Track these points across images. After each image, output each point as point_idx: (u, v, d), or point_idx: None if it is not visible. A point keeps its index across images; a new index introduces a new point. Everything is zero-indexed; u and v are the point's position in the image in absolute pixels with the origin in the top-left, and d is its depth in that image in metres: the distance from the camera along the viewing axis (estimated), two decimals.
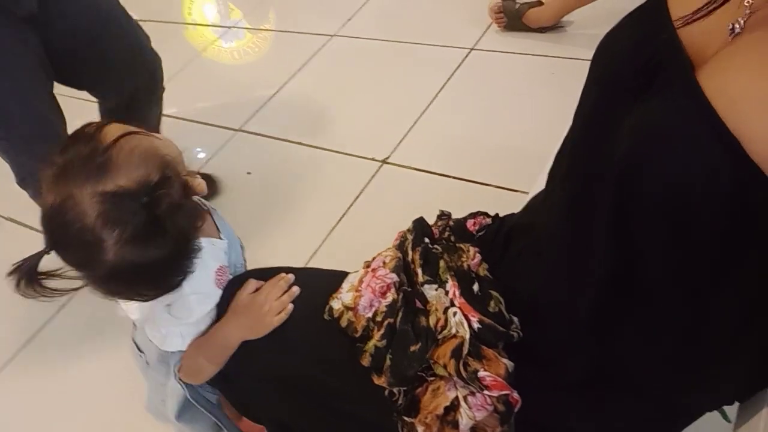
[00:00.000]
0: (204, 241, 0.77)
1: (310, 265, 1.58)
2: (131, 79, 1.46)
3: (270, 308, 0.79)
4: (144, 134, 0.71)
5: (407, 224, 0.87)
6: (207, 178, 1.73)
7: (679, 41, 0.55)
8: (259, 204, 1.82)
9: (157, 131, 1.54)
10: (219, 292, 0.82)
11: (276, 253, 1.65)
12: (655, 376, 0.66)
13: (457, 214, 0.93)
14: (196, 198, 0.87)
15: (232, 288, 0.83)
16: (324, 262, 1.57)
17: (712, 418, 0.72)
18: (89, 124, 0.71)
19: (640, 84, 0.57)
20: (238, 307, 0.81)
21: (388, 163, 1.81)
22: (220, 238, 0.84)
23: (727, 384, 0.63)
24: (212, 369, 0.83)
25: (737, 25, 0.51)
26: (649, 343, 0.64)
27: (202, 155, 2.07)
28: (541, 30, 2.04)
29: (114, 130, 0.69)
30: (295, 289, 0.82)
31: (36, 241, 0.70)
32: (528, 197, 1.09)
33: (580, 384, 0.70)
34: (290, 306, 0.80)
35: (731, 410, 0.71)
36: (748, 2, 0.50)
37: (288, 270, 0.85)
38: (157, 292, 0.74)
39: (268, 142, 2.02)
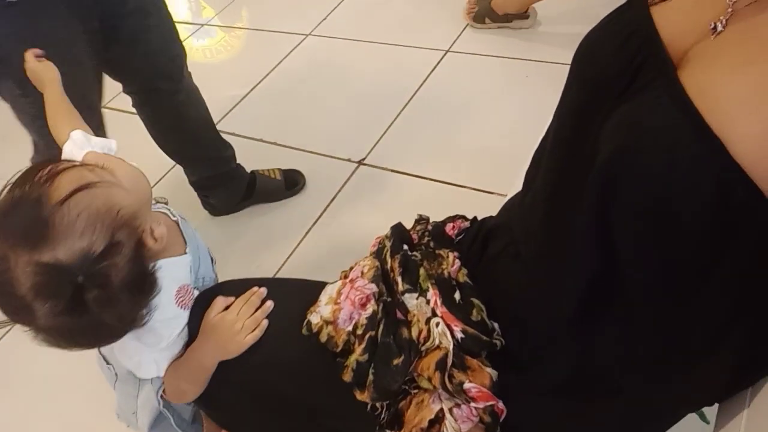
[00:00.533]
0: (163, 262, 0.72)
1: (285, 270, 1.57)
2: (161, 64, 1.40)
3: (242, 327, 0.76)
4: (103, 186, 0.65)
5: (385, 226, 0.85)
6: (292, 174, 1.73)
7: (660, 41, 0.55)
8: None
9: (196, 124, 1.56)
10: (185, 313, 0.78)
11: (250, 258, 1.62)
12: (637, 376, 0.66)
13: (435, 216, 0.92)
14: (163, 207, 0.84)
15: (201, 306, 0.80)
16: (299, 266, 1.56)
17: (690, 419, 0.72)
18: (44, 166, 0.65)
19: (622, 84, 0.57)
20: (207, 328, 0.78)
21: (364, 164, 1.80)
22: (185, 252, 0.80)
23: (708, 384, 0.63)
24: (195, 390, 0.80)
25: (719, 24, 0.51)
26: (631, 342, 0.64)
27: None
28: (507, 17, 2.07)
29: (66, 183, 0.63)
30: (269, 304, 0.79)
31: None
32: (505, 200, 1.09)
33: (561, 388, 0.69)
34: (264, 322, 0.77)
35: (710, 412, 0.71)
36: (730, 1, 0.50)
37: (260, 282, 0.82)
38: (114, 339, 0.70)
39: (241, 143, 1.98)
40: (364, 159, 1.80)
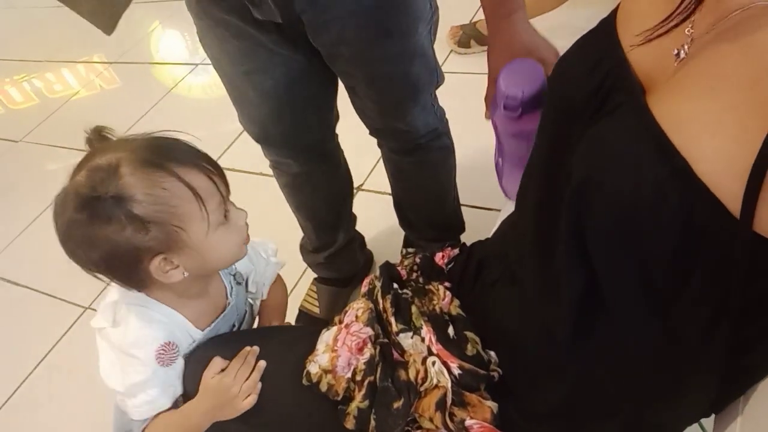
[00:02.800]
0: (171, 313, 0.76)
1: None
2: None
3: (239, 391, 0.76)
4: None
5: (389, 247, 0.85)
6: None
7: (628, 66, 0.57)
8: None
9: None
10: (162, 369, 0.77)
11: None
12: (631, 396, 0.67)
13: None
14: (231, 275, 0.87)
15: (197, 362, 0.80)
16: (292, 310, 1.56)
17: (689, 429, 0.73)
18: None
19: (592, 106, 0.58)
20: (206, 391, 0.78)
21: (363, 189, 1.83)
22: (203, 329, 0.81)
23: (701, 395, 0.63)
24: None
25: (682, 51, 0.53)
26: (623, 360, 0.64)
27: None
28: None
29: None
30: (262, 364, 0.78)
31: None
32: (500, 216, 1.11)
33: (559, 412, 0.70)
34: (259, 385, 0.77)
35: (707, 422, 0.71)
36: (689, 31, 0.52)
37: (253, 334, 0.83)
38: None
39: (242, 177, 2.03)
40: (362, 185, 1.83)
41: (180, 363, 0.79)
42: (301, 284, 1.64)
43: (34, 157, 2.57)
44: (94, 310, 1.42)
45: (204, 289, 0.81)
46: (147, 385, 0.76)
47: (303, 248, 1.55)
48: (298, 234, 1.52)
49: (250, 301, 0.95)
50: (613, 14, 0.64)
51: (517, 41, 0.90)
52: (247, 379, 0.77)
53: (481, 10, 0.95)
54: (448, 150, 1.32)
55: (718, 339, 0.56)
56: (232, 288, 0.87)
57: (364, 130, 1.23)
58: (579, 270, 0.60)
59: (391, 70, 1.06)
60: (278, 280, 1.01)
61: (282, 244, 1.65)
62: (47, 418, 1.55)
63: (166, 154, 0.72)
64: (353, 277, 1.57)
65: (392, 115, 1.15)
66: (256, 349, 0.80)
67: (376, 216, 1.70)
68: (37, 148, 2.63)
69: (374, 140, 1.28)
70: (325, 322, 1.57)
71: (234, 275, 0.89)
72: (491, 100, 0.96)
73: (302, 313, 1.57)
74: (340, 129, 1.30)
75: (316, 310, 1.55)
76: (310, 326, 0.85)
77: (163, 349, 0.76)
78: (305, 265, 1.59)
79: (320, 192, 1.35)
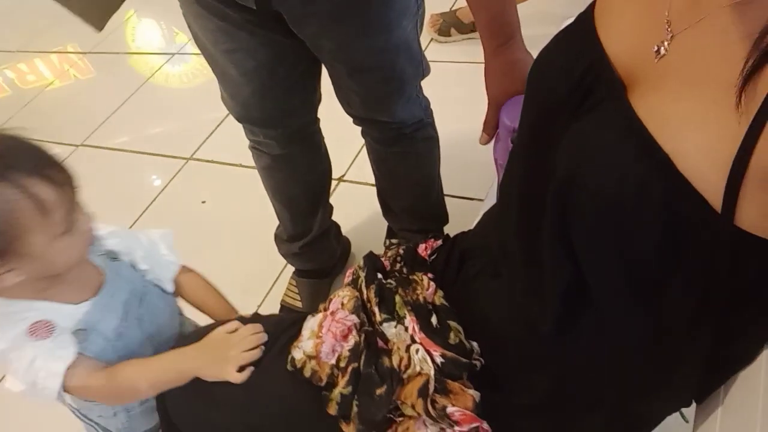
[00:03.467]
0: (42, 305, 0.76)
1: (267, 301, 1.59)
2: None
3: (236, 356, 0.76)
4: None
5: (372, 238, 0.85)
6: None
7: (609, 61, 0.57)
8: (215, 233, 1.80)
9: None
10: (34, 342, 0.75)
11: (233, 284, 1.63)
12: (616, 385, 0.67)
13: None
14: (101, 255, 0.86)
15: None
16: (274, 305, 1.56)
17: (671, 418, 0.74)
18: None
19: (573, 103, 0.58)
20: (210, 341, 0.80)
21: (344, 180, 1.82)
22: (84, 300, 0.81)
23: (684, 385, 0.64)
24: (149, 393, 0.82)
25: (662, 48, 0.53)
26: (608, 352, 0.65)
27: (156, 184, 2.05)
28: (473, 26, 2.07)
29: None
30: (258, 352, 0.78)
31: None
32: (483, 206, 1.11)
33: (543, 404, 0.70)
34: (251, 367, 0.77)
35: (689, 411, 0.72)
36: (668, 27, 0.52)
37: (240, 318, 0.83)
38: None
39: (221, 169, 2.01)
40: (343, 175, 1.82)
41: (59, 334, 0.77)
42: (281, 280, 1.63)
43: None
44: None
45: (58, 279, 0.79)
46: (35, 362, 0.74)
47: (278, 238, 1.53)
48: (274, 226, 1.51)
49: (154, 280, 0.93)
50: (591, 8, 0.63)
51: (517, 69, 0.88)
52: (247, 351, 0.77)
53: None
54: (433, 140, 1.32)
55: (703, 331, 0.57)
56: (105, 266, 0.86)
57: (346, 120, 1.23)
58: (564, 265, 0.61)
59: (375, 64, 1.05)
60: (192, 275, 1.02)
61: (262, 236, 1.66)
62: None
63: (11, 163, 0.70)
64: (332, 268, 1.56)
65: (376, 107, 1.15)
66: (264, 336, 0.80)
67: (357, 207, 1.71)
68: None
69: (356, 130, 1.28)
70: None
71: (105, 254, 0.87)
72: (490, 127, 0.94)
73: (284, 308, 1.57)
74: (321, 120, 1.29)
75: (299, 303, 1.55)
76: (297, 314, 0.84)
77: (33, 327, 0.75)
78: (284, 260, 1.58)
79: (299, 175, 1.34)
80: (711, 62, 0.48)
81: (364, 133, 1.29)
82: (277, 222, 1.48)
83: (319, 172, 1.39)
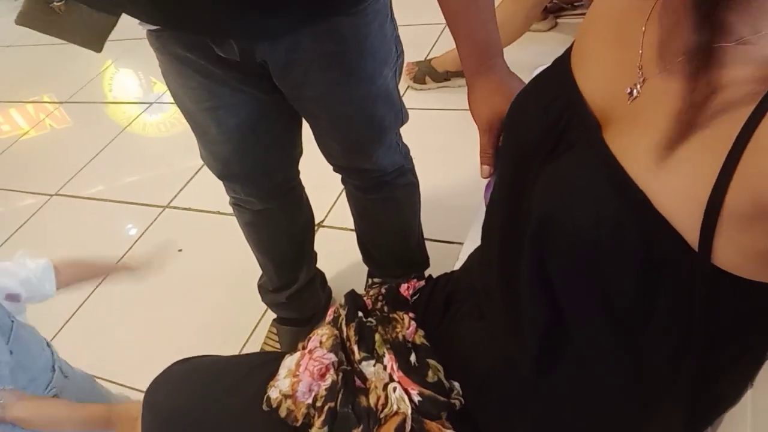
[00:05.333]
0: None
1: (247, 349, 1.55)
2: None
3: None
4: None
5: (354, 282, 0.85)
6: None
7: (584, 103, 0.58)
8: (193, 282, 1.78)
9: None
10: None
11: (212, 332, 1.61)
12: (599, 426, 0.66)
13: None
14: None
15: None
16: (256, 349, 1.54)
17: None
18: None
19: (549, 144, 0.59)
20: (121, 412, 0.85)
21: (323, 226, 1.81)
22: None
23: (669, 426, 0.63)
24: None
25: (635, 90, 0.54)
26: (590, 394, 0.65)
27: (132, 233, 2.02)
28: (447, 75, 2.13)
29: None
30: None
31: None
32: (463, 249, 1.11)
33: None
34: None
35: None
36: (640, 71, 0.54)
37: (217, 359, 0.82)
38: None
39: (199, 216, 1.99)
40: (323, 221, 1.82)
41: None
42: (260, 328, 1.61)
43: None
44: None
45: None
46: None
47: (262, 288, 1.52)
48: (256, 274, 1.50)
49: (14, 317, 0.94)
50: (568, 52, 0.65)
51: (506, 87, 0.87)
52: None
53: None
54: (413, 186, 1.33)
55: (684, 369, 0.57)
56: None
57: (325, 165, 1.24)
58: (542, 306, 0.61)
59: (355, 113, 1.06)
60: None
61: (240, 284, 1.64)
62: None
63: None
64: (313, 316, 1.54)
65: (357, 155, 1.16)
66: None
67: (337, 252, 1.70)
68: None
69: (335, 176, 1.29)
70: None
71: None
72: (488, 155, 0.89)
73: None
74: (300, 164, 1.31)
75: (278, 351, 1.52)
76: (274, 352, 0.83)
77: None
78: (264, 306, 1.57)
79: (282, 229, 1.34)
80: (679, 105, 0.49)
81: (344, 180, 1.30)
82: (256, 269, 1.47)
83: (301, 224, 1.39)
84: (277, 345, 1.53)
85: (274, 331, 1.55)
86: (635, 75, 0.54)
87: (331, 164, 1.22)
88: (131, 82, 3.12)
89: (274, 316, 1.56)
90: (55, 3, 1.03)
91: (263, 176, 1.19)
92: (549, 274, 0.58)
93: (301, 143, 1.22)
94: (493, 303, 0.72)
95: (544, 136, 0.60)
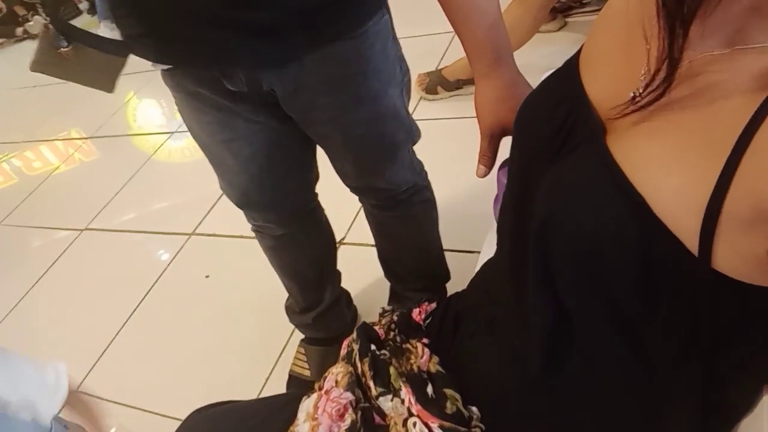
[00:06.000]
0: None
1: (276, 372, 1.58)
2: None
3: None
4: None
5: (375, 300, 0.83)
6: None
7: (590, 105, 0.58)
8: (220, 307, 1.81)
9: None
10: None
11: (241, 356, 1.63)
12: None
13: None
14: None
15: None
16: (283, 375, 1.56)
17: None
18: None
19: (554, 146, 0.59)
20: None
21: (344, 243, 1.83)
22: None
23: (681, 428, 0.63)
24: None
25: (638, 95, 0.54)
26: (600, 394, 0.64)
27: (160, 263, 2.07)
28: (458, 83, 2.14)
29: None
30: None
31: None
32: (479, 259, 1.11)
33: None
34: None
35: None
36: (643, 76, 0.54)
37: (234, 405, 0.82)
38: None
39: (223, 242, 2.03)
40: (343, 239, 1.84)
41: None
42: (288, 349, 1.63)
43: (16, 238, 2.56)
44: None
45: None
46: None
47: (289, 309, 1.54)
48: (283, 295, 1.52)
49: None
50: (577, 55, 0.65)
51: (512, 94, 0.86)
52: None
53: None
54: (430, 203, 1.34)
55: (691, 372, 0.56)
56: None
57: (343, 184, 1.25)
58: (548, 306, 0.61)
59: (364, 133, 1.07)
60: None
61: (267, 306, 1.66)
62: None
63: None
64: (341, 335, 1.54)
65: (371, 175, 1.17)
66: None
67: (359, 269, 1.71)
68: (17, 229, 2.62)
69: (349, 195, 1.30)
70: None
71: None
72: (486, 158, 0.91)
73: (293, 378, 1.55)
74: (318, 184, 1.32)
75: (307, 372, 1.53)
76: (293, 393, 0.83)
77: None
78: (291, 326, 1.58)
79: (304, 252, 1.36)
80: (683, 108, 0.49)
81: (361, 200, 1.31)
82: (283, 291, 1.49)
83: (322, 245, 1.41)
84: (306, 366, 1.54)
85: (303, 351, 1.56)
86: (638, 80, 0.54)
87: (347, 185, 1.24)
88: (154, 111, 3.20)
89: (302, 336, 1.58)
90: (62, 49, 1.07)
91: (282, 202, 1.21)
92: (553, 274, 0.58)
93: (316, 167, 1.23)
94: (506, 307, 0.71)
95: (550, 138, 0.60)
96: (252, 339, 1.68)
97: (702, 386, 0.57)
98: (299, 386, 1.52)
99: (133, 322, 1.89)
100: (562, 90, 0.63)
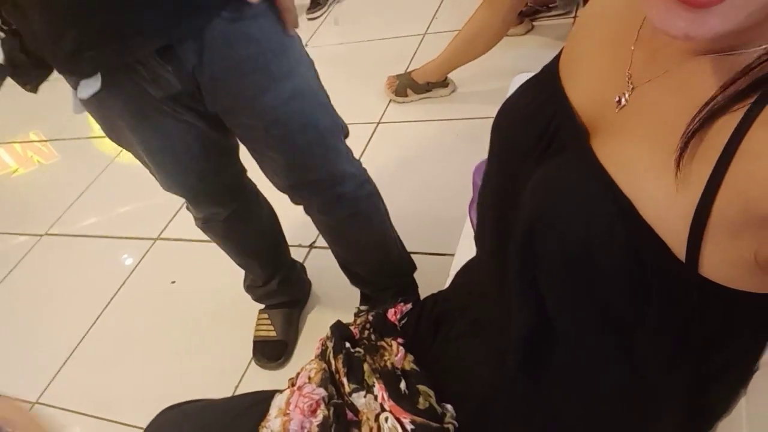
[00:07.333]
0: None
1: (246, 377, 1.56)
2: None
3: None
4: None
5: (350, 300, 0.84)
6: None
7: (573, 110, 0.58)
8: (187, 313, 1.78)
9: None
10: None
11: (211, 364, 1.61)
12: None
13: None
14: None
15: None
16: (254, 381, 1.55)
17: None
18: None
19: (538, 150, 0.59)
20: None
21: (315, 247, 1.81)
22: None
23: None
24: None
25: (623, 98, 0.54)
26: (586, 399, 0.64)
27: (125, 267, 2.01)
28: (428, 86, 2.14)
29: None
30: None
31: None
32: (453, 262, 1.11)
33: None
34: None
35: None
36: (629, 80, 0.54)
37: (206, 403, 0.81)
38: None
39: (189, 246, 1.99)
40: (314, 242, 1.82)
41: None
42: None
43: None
44: None
45: None
46: None
47: (251, 288, 1.59)
48: (245, 299, 1.54)
49: None
50: (556, 60, 0.65)
51: None
52: None
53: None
54: (375, 195, 1.35)
55: (679, 376, 0.57)
56: None
57: None
58: (530, 305, 0.61)
59: (286, 113, 1.10)
60: None
61: (235, 310, 1.64)
62: None
63: None
64: (302, 299, 1.66)
65: (302, 165, 1.18)
66: None
67: (330, 272, 1.69)
68: None
69: None
70: (284, 345, 1.51)
71: None
72: None
73: (258, 342, 1.60)
74: (277, 198, 1.34)
75: (273, 333, 1.58)
76: (265, 391, 0.82)
77: None
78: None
79: (253, 225, 1.42)
80: (669, 113, 0.49)
81: (307, 209, 1.32)
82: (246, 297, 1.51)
83: (267, 214, 1.47)
84: (270, 327, 1.59)
85: (265, 316, 1.61)
86: (624, 83, 0.54)
87: (282, 190, 1.26)
88: None
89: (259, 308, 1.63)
90: None
91: (219, 182, 1.27)
92: (537, 276, 0.58)
93: (238, 148, 1.27)
94: (490, 307, 0.71)
95: (534, 142, 0.60)
96: (221, 344, 1.65)
97: (689, 388, 0.57)
98: (266, 348, 1.58)
99: (97, 329, 1.84)
100: (542, 95, 0.63)
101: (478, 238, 0.78)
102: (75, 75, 1.02)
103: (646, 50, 0.54)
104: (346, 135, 1.23)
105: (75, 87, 1.03)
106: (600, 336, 0.58)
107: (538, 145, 0.59)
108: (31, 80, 1.08)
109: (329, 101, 1.18)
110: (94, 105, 1.07)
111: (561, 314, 0.59)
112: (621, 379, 0.61)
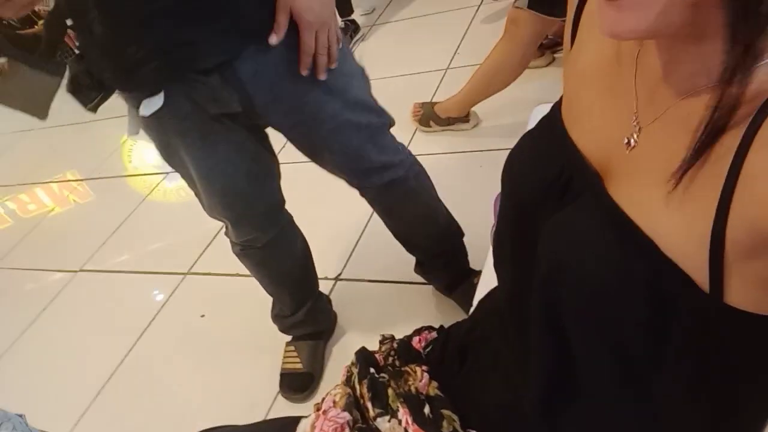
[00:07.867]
0: None
1: (273, 411, 1.56)
2: None
3: None
4: None
5: (375, 332, 0.85)
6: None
7: (582, 156, 0.59)
8: (216, 347, 1.80)
9: None
10: None
11: (241, 397, 1.61)
12: None
13: (416, 316, 0.89)
14: None
15: None
16: (283, 410, 1.54)
17: None
18: None
19: (553, 198, 0.60)
20: None
21: (341, 279, 1.82)
22: None
23: None
24: None
25: (632, 140, 0.55)
26: None
27: (155, 303, 2.05)
28: (449, 120, 2.18)
29: None
30: None
31: None
32: (481, 279, 1.12)
33: None
34: None
35: None
36: (636, 122, 0.55)
37: (234, 429, 0.82)
38: None
39: (219, 280, 2.02)
40: (339, 274, 1.83)
41: None
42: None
43: (10, 281, 2.54)
44: None
45: None
46: None
47: (278, 318, 1.62)
48: (273, 332, 1.54)
49: None
50: (558, 106, 0.66)
51: None
52: None
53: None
54: (422, 174, 1.45)
55: (700, 410, 0.56)
56: None
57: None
58: (551, 348, 0.61)
59: (344, 122, 1.18)
60: None
61: (258, 344, 1.66)
62: None
63: None
64: (327, 329, 1.69)
65: (358, 158, 1.27)
66: None
67: (356, 305, 1.73)
68: (11, 272, 2.60)
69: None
70: (310, 377, 1.52)
71: None
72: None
73: (285, 375, 1.61)
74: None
75: (300, 366, 1.60)
76: (291, 417, 0.83)
77: None
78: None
79: (289, 252, 1.47)
80: (678, 149, 0.50)
81: (362, 193, 1.40)
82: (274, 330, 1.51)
83: (301, 241, 1.51)
84: (297, 359, 1.61)
85: (292, 348, 1.63)
86: (630, 125, 0.55)
87: (340, 177, 1.33)
88: (149, 152, 3.21)
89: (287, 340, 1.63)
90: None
91: (260, 206, 1.32)
92: (560, 317, 0.58)
93: (280, 176, 1.34)
94: (511, 341, 0.71)
95: (547, 189, 0.61)
96: (249, 376, 1.66)
97: (712, 417, 0.57)
98: (293, 381, 1.59)
99: (129, 362, 1.87)
100: (549, 144, 0.64)
101: (498, 274, 0.78)
102: (136, 91, 1.06)
103: (645, 91, 0.55)
104: (392, 125, 1.31)
105: (136, 106, 1.07)
106: (618, 377, 0.58)
107: (552, 193, 0.60)
108: (91, 101, 1.12)
109: (376, 102, 1.27)
110: (154, 123, 1.10)
111: (581, 357, 0.59)
112: (639, 417, 0.61)
